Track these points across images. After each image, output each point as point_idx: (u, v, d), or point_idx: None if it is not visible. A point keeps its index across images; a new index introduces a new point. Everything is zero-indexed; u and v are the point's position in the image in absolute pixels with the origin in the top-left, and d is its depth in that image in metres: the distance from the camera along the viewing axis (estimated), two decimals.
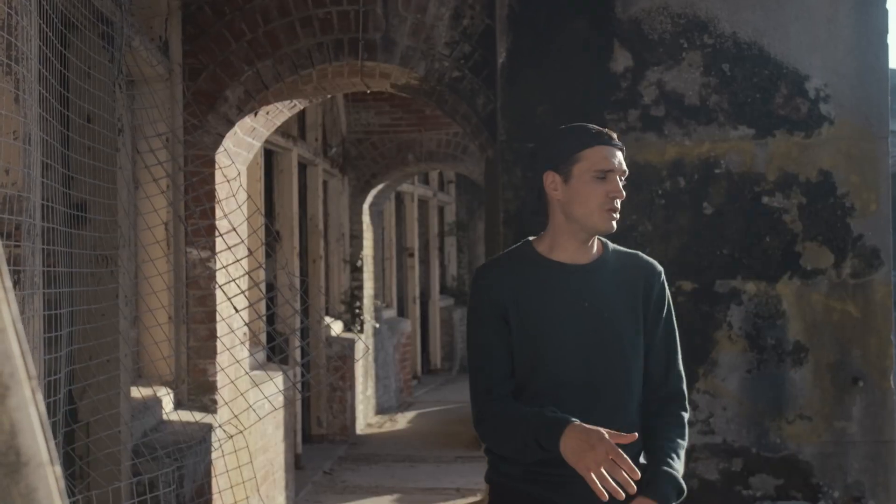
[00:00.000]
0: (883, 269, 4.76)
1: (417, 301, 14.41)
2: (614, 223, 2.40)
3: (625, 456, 2.15)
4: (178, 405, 4.74)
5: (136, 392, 4.34)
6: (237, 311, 4.83)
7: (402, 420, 11.52)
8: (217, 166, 4.90)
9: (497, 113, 4.88)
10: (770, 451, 4.74)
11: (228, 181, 4.76)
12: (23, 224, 2.49)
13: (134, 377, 4.67)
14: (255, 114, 5.16)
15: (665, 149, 4.82)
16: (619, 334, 2.42)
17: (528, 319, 2.40)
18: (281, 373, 6.39)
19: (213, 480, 4.53)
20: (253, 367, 5.90)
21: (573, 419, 2.25)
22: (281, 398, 5.39)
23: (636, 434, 2.25)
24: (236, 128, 5.06)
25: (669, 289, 4.69)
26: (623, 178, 2.43)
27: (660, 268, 2.51)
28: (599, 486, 2.12)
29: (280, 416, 6.58)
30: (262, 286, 6.67)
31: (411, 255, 14.28)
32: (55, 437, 2.95)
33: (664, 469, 2.32)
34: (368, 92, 5.85)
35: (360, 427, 10.53)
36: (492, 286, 2.44)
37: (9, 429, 0.66)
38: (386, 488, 7.76)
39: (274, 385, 5.32)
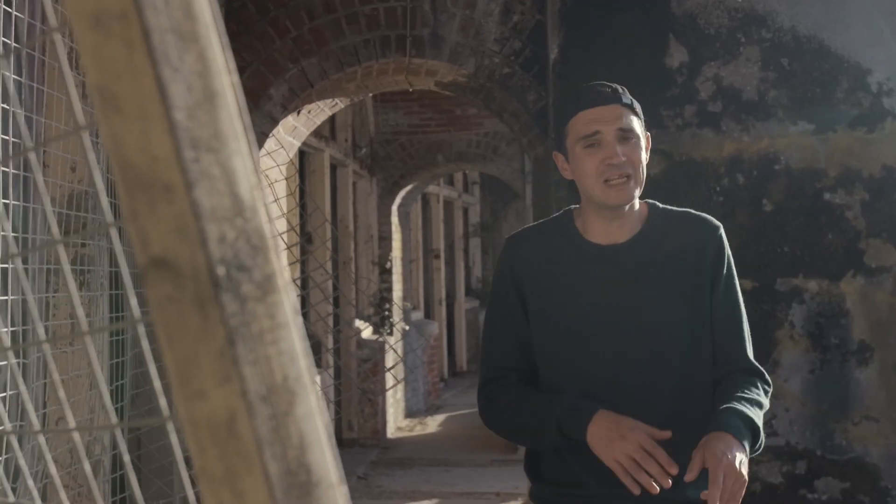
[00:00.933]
0: None
1: (444, 303, 14.29)
2: (624, 193, 2.06)
3: (660, 448, 1.88)
4: None
5: None
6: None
7: (433, 423, 11.40)
8: (268, 166, 4.80)
9: (549, 109, 4.76)
10: (835, 454, 4.60)
11: (271, 184, 4.65)
12: (93, 222, 2.38)
13: None
14: (298, 112, 5.05)
15: (723, 145, 4.69)
16: (661, 325, 2.08)
17: (550, 305, 2.13)
18: (318, 377, 6.29)
19: None
20: None
21: (601, 406, 1.99)
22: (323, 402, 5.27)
23: (669, 433, 1.92)
24: (279, 126, 4.95)
25: None
26: (627, 138, 2.07)
27: (715, 224, 2.16)
28: (631, 477, 1.87)
29: None
30: (298, 290, 6.57)
31: (437, 256, 14.17)
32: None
33: (734, 406, 1.99)
34: (411, 90, 5.73)
35: (391, 431, 10.42)
36: (514, 261, 2.17)
37: (298, 443, 0.55)
38: (423, 493, 7.64)
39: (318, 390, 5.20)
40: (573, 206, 2.23)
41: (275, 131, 4.90)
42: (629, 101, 2.13)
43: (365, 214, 10.18)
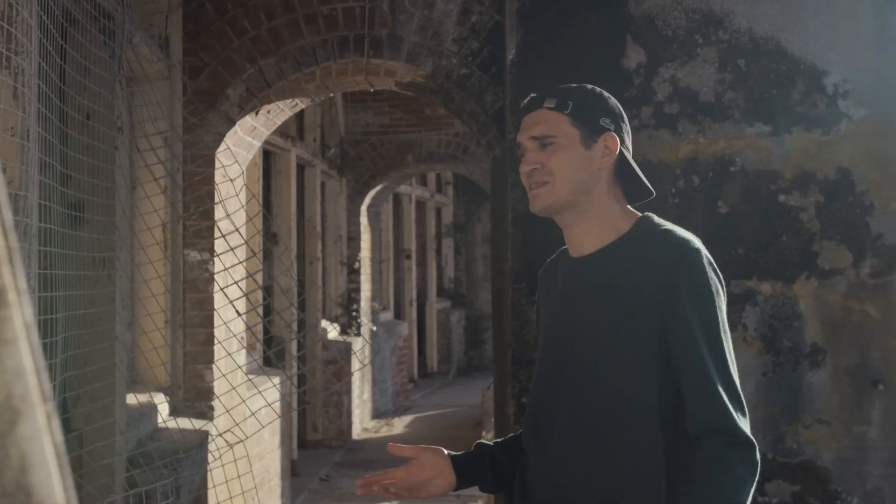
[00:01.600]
0: None
1: (414, 303, 14.27)
2: (538, 200, 1.97)
3: None
4: (175, 412, 4.59)
5: (132, 399, 4.20)
6: (239, 314, 4.69)
7: (399, 425, 11.38)
8: (217, 166, 4.76)
9: (506, 110, 4.75)
10: (787, 457, 4.61)
11: (232, 181, 4.62)
12: (19, 224, 2.35)
13: (129, 383, 4.53)
14: (256, 113, 5.02)
15: (679, 146, 4.70)
16: (599, 349, 1.94)
17: (541, 328, 2.10)
18: (279, 378, 6.25)
19: (211, 491, 4.39)
20: (249, 373, 5.76)
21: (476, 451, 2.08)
22: (271, 401, 5.24)
23: None
24: (237, 127, 4.92)
25: None
26: (544, 144, 1.97)
27: (687, 251, 1.91)
28: None
29: (277, 422, 6.43)
30: (260, 290, 6.53)
31: (408, 257, 14.15)
32: None
33: None
34: (371, 91, 5.71)
35: (357, 432, 10.38)
36: (538, 287, 2.19)
37: (18, 463, 0.53)
38: (390, 496, 7.61)
39: (272, 390, 5.17)
40: None
41: (231, 132, 4.87)
42: (553, 105, 2.01)
43: (334, 215, 10.15)
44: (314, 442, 9.50)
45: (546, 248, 4.56)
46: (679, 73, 4.69)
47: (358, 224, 10.52)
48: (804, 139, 4.66)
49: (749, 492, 1.83)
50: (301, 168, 8.85)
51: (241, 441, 4.30)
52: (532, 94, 2.08)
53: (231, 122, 4.79)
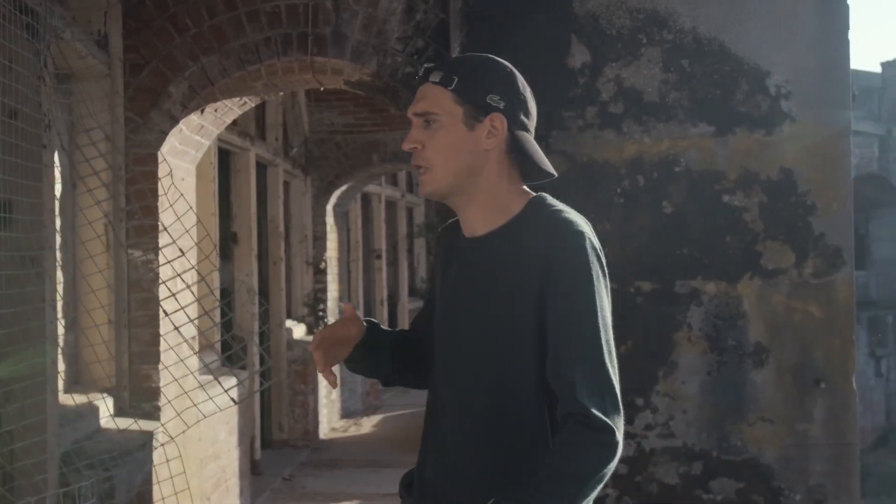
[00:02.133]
0: (845, 269, 4.66)
1: (385, 303, 14.25)
2: (424, 188, 1.93)
3: None
4: (119, 412, 4.56)
5: (71, 399, 4.17)
6: (189, 316, 4.66)
7: (368, 424, 11.36)
8: (160, 165, 4.73)
9: None
10: (731, 455, 4.62)
11: (160, 179, 4.58)
12: None
13: (70, 383, 4.49)
14: (202, 111, 4.99)
15: (624, 146, 4.70)
16: (479, 333, 1.90)
17: (438, 297, 2.06)
18: (234, 378, 6.22)
19: (155, 488, 4.36)
20: (204, 374, 5.73)
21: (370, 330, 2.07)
22: (227, 401, 5.21)
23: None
24: (182, 125, 4.89)
25: (628, 290, 4.62)
26: (427, 121, 1.89)
27: (571, 233, 1.85)
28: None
29: (233, 421, 6.41)
30: (217, 289, 6.50)
31: (379, 256, 14.12)
32: None
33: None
34: (324, 90, 5.68)
35: (324, 432, 10.36)
36: (435, 247, 2.14)
37: None
38: (347, 494, 7.61)
39: (221, 389, 5.14)
40: None
41: (175, 130, 4.84)
42: (437, 79, 1.91)
43: (299, 215, 10.12)
44: (280, 441, 9.47)
45: None
46: (623, 72, 4.69)
47: (324, 224, 10.49)
48: (747, 140, 4.67)
49: (595, 474, 1.77)
50: (263, 167, 8.82)
51: (173, 439, 4.27)
52: (426, 65, 1.99)
53: (174, 121, 4.76)
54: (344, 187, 10.75)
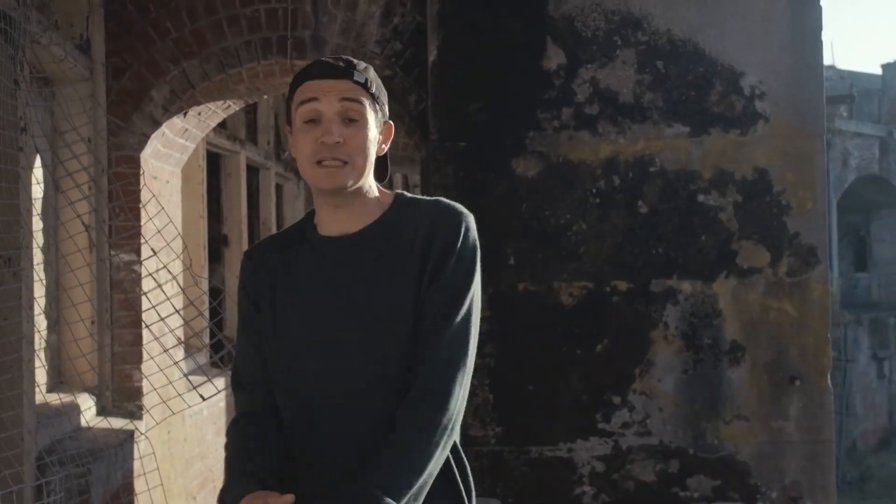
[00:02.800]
0: (819, 268, 4.70)
1: None
2: (335, 178, 1.88)
3: None
4: (102, 412, 4.62)
5: (55, 398, 4.23)
6: (178, 313, 4.72)
7: None
8: (142, 167, 4.79)
9: (428, 112, 4.79)
10: (707, 452, 4.67)
11: (142, 182, 4.64)
12: None
13: (54, 383, 4.55)
14: (185, 114, 5.05)
15: (599, 147, 4.75)
16: (381, 327, 1.89)
17: (281, 313, 1.96)
18: (223, 378, 6.28)
19: (137, 485, 4.42)
20: (193, 373, 5.78)
21: (252, 489, 1.85)
22: (216, 401, 5.27)
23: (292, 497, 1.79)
24: (164, 128, 4.95)
25: (604, 289, 4.67)
26: (352, 119, 1.89)
27: (454, 212, 1.93)
28: None
29: (220, 422, 6.46)
30: (206, 289, 6.56)
31: None
32: None
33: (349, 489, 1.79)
34: None
35: None
36: (249, 272, 2.02)
37: None
38: None
39: (209, 386, 5.20)
40: None
41: (158, 133, 4.90)
42: (364, 80, 1.92)
43: (292, 217, 10.17)
44: None
45: None
46: (599, 74, 4.74)
47: None
48: (722, 140, 4.72)
49: (437, 445, 1.83)
50: (255, 170, 8.88)
51: (144, 434, 4.33)
52: (341, 57, 1.97)
53: (156, 124, 4.82)
54: None
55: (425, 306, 1.90)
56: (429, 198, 2.04)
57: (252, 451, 1.97)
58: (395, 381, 1.89)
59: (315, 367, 1.93)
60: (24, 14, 3.43)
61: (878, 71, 26.84)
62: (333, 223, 1.97)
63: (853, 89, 24.12)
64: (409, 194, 2.04)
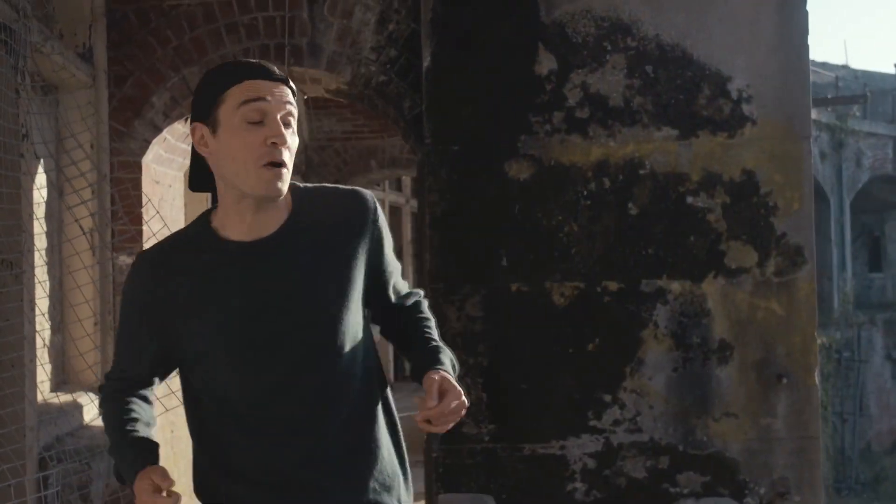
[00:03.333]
0: (806, 267, 4.78)
1: None
2: (280, 184, 1.84)
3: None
4: None
5: (59, 396, 4.36)
6: None
7: None
8: (144, 172, 4.92)
9: (423, 116, 4.90)
10: (696, 449, 4.75)
11: (166, 187, 4.76)
12: None
13: (58, 383, 4.68)
14: (186, 119, 5.17)
15: (590, 150, 4.84)
16: (323, 318, 1.90)
17: (206, 324, 1.90)
18: None
19: None
20: None
21: (150, 462, 1.88)
22: None
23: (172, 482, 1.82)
24: (166, 134, 5.08)
25: (595, 289, 4.76)
26: (289, 124, 1.85)
27: (366, 198, 1.99)
28: None
29: None
30: None
31: None
32: None
33: (436, 347, 1.99)
34: (306, 97, 5.85)
35: None
36: (138, 281, 1.94)
37: None
38: None
39: None
40: (211, 207, 1.98)
41: (159, 139, 5.03)
42: (293, 87, 1.92)
43: None
44: None
45: (463, 249, 4.72)
46: (589, 79, 4.84)
47: None
48: (710, 142, 4.81)
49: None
50: None
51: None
52: (263, 62, 1.93)
53: (157, 130, 4.95)
54: None
55: (387, 290, 2.06)
56: (323, 185, 2.04)
57: (131, 418, 1.99)
58: (334, 363, 1.93)
59: (264, 363, 1.90)
60: (24, 26, 3.56)
61: (893, 70, 26.78)
62: (250, 227, 1.91)
63: (867, 89, 24.08)
64: (300, 184, 1.99)
